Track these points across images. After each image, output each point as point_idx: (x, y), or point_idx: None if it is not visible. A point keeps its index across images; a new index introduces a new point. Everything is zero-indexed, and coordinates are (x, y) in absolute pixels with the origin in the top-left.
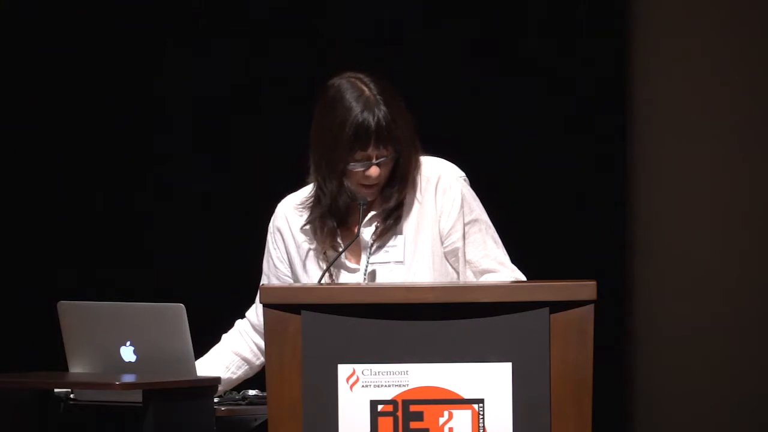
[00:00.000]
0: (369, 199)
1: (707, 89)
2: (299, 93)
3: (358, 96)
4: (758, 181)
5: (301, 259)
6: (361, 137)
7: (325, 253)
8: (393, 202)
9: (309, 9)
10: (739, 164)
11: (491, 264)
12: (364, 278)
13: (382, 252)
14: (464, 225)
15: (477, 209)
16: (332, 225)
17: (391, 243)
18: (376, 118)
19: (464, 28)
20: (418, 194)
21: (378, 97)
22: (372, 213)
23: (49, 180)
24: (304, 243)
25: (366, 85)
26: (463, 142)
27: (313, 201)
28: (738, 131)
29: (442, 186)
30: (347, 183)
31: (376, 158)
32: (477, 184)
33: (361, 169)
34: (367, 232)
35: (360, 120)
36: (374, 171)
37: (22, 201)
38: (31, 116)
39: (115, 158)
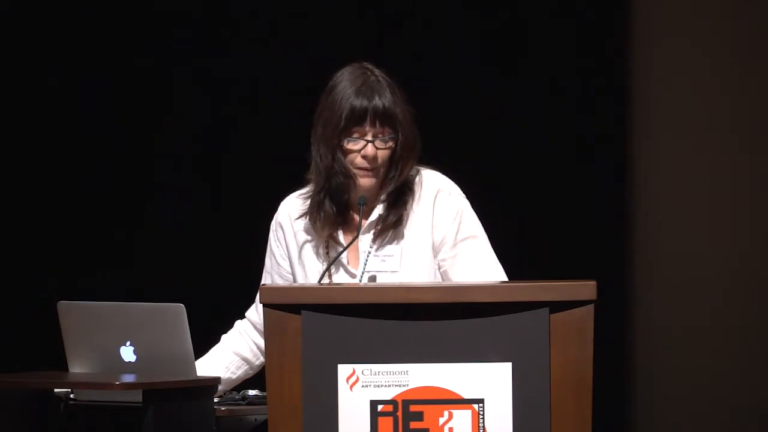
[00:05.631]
0: (367, 185)
1: (707, 89)
2: (301, 92)
3: (360, 76)
4: (758, 181)
5: (298, 249)
6: (357, 112)
7: (327, 252)
8: (392, 187)
9: (309, 8)
10: (739, 164)
11: (483, 278)
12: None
13: (378, 261)
14: (457, 241)
15: (473, 225)
16: (329, 210)
17: (387, 252)
18: (375, 96)
19: (464, 29)
20: (416, 206)
21: (381, 80)
22: (371, 219)
23: (50, 180)
24: (302, 233)
25: (371, 71)
26: (462, 142)
27: (312, 190)
28: (738, 131)
29: (439, 199)
30: (342, 160)
31: (373, 136)
32: (477, 184)
33: (357, 147)
34: (365, 239)
35: (357, 96)
36: (371, 150)
37: (23, 201)
38: (32, 117)
39: (114, 159)
